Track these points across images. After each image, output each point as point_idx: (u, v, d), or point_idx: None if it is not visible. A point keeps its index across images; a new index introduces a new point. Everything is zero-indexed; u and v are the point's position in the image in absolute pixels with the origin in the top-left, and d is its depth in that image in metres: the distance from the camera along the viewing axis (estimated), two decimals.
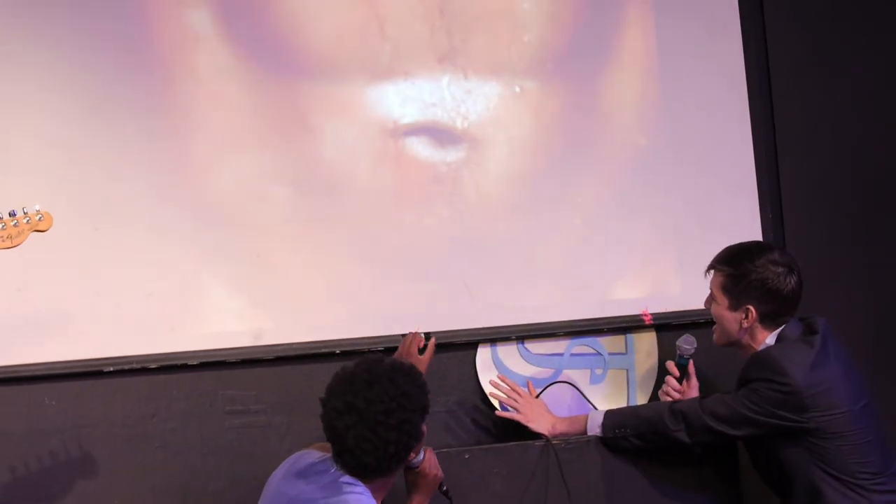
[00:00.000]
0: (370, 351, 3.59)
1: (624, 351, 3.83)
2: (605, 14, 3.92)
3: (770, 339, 3.29)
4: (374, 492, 2.86)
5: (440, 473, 3.06)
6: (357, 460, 2.79)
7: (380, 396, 2.78)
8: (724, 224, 3.94)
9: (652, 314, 3.82)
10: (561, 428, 3.51)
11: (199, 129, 3.57)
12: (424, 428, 2.90)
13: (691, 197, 3.94)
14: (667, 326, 3.84)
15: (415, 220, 3.70)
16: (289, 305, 3.59)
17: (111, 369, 3.45)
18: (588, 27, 3.90)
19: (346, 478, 2.85)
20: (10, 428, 3.40)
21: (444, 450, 3.46)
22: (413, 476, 3.03)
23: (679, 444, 3.32)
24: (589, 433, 3.45)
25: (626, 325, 3.82)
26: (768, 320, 3.29)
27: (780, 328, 3.29)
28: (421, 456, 3.00)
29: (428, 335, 3.46)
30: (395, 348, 3.58)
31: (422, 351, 3.38)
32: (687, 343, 3.53)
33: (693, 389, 3.54)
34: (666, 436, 3.32)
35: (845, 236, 4.10)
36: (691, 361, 3.55)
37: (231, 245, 3.56)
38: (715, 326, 3.41)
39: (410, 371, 2.87)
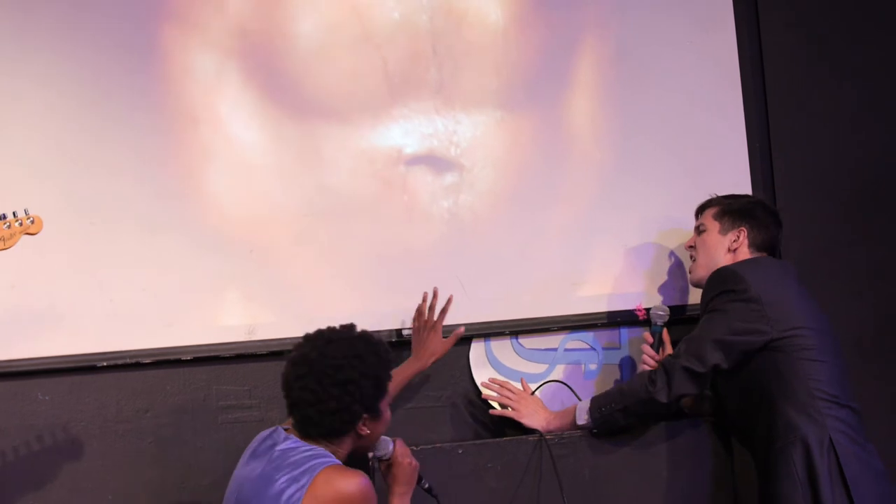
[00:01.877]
0: None
1: (618, 346, 3.83)
2: (599, 10, 3.93)
3: None
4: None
5: (414, 462, 3.05)
6: (300, 413, 2.85)
7: (333, 352, 2.85)
8: None
9: (646, 309, 3.82)
10: (555, 423, 3.50)
11: (196, 127, 3.58)
12: (384, 408, 2.93)
13: (685, 193, 3.93)
14: None
15: (409, 215, 3.71)
16: (282, 300, 3.59)
17: (105, 364, 3.45)
18: (582, 23, 3.90)
19: (291, 442, 2.86)
20: (3, 423, 3.40)
21: (438, 445, 3.46)
22: (387, 468, 3.04)
23: (661, 407, 3.30)
24: (578, 423, 3.43)
25: (619, 320, 3.83)
26: (754, 247, 3.44)
27: (759, 257, 3.42)
28: (390, 447, 3.01)
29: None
30: (390, 343, 3.58)
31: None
32: (660, 310, 3.61)
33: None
34: (650, 402, 3.30)
35: (839, 233, 4.11)
36: (665, 330, 3.59)
37: (225, 240, 3.56)
38: (694, 263, 3.52)
39: (376, 341, 2.93)
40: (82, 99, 3.50)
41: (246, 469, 2.90)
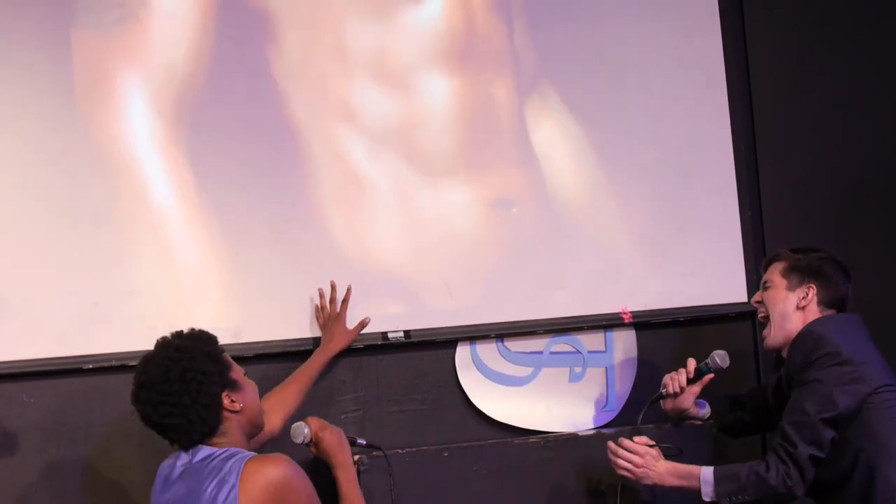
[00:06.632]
0: (349, 349, 3.61)
1: (603, 349, 3.84)
2: (585, 15, 3.94)
3: None
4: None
5: (334, 430, 3.06)
6: (176, 430, 2.84)
7: (155, 364, 2.86)
8: (704, 223, 3.97)
9: (631, 312, 3.83)
10: (669, 480, 3.30)
11: (180, 130, 3.57)
12: (237, 377, 2.91)
13: (671, 196, 3.96)
14: (646, 325, 3.86)
15: (394, 220, 3.71)
16: (268, 303, 3.58)
17: (90, 367, 3.44)
18: (568, 28, 3.91)
19: (201, 453, 2.84)
20: None
21: (423, 448, 3.47)
22: (317, 451, 3.05)
23: (792, 498, 3.22)
24: (704, 497, 3.24)
25: (605, 324, 3.83)
26: (823, 305, 3.35)
27: (833, 314, 3.35)
28: (306, 429, 3.02)
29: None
30: (376, 346, 3.63)
31: None
32: (720, 358, 3.48)
33: (689, 395, 3.50)
34: (787, 496, 3.20)
35: (825, 236, 4.11)
36: (709, 377, 3.49)
37: (210, 243, 3.55)
38: (768, 326, 3.41)
39: (190, 332, 2.94)
40: (60, 96, 3.49)
41: (167, 494, 2.87)
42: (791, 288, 3.37)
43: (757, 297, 3.48)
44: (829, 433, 3.16)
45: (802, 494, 3.22)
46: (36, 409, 3.42)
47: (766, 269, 3.47)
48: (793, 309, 3.36)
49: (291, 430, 3.05)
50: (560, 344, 3.80)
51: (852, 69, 4.20)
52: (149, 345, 3.41)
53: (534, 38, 3.87)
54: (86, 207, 3.47)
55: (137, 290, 3.49)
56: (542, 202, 3.83)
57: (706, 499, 3.25)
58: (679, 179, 3.95)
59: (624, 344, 3.85)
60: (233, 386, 2.90)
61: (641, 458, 3.31)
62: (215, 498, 2.73)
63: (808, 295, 3.35)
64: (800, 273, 3.38)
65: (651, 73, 3.97)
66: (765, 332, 3.44)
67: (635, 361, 3.85)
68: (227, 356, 2.96)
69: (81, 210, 3.47)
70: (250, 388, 2.95)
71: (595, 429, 3.73)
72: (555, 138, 3.86)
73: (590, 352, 3.82)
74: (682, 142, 3.98)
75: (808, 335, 3.28)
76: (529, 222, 3.81)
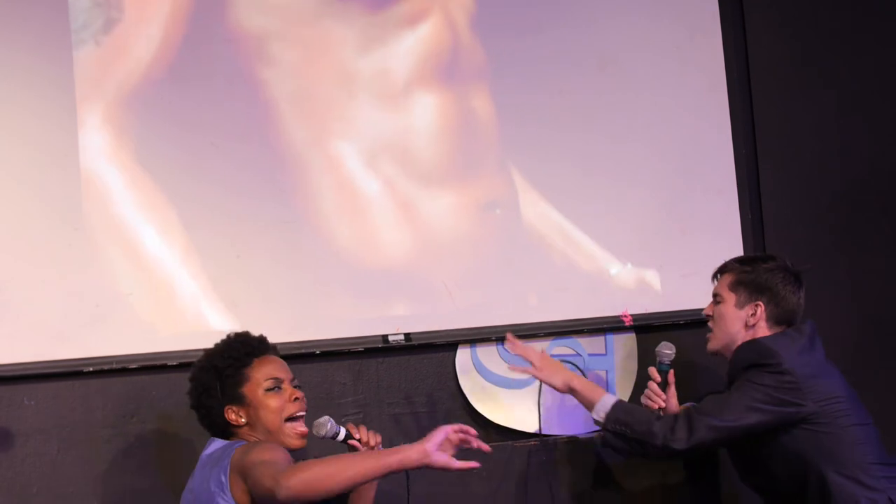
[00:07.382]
0: (350, 352, 3.61)
1: (604, 352, 3.84)
2: (586, 16, 3.94)
3: None
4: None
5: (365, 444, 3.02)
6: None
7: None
8: (704, 225, 3.97)
9: (632, 315, 3.83)
10: (576, 385, 3.33)
11: (181, 129, 3.57)
12: (247, 392, 2.96)
13: (671, 198, 3.96)
14: (647, 328, 3.86)
15: (395, 223, 3.71)
16: (269, 306, 3.57)
17: (90, 369, 3.44)
18: (568, 28, 3.91)
19: (212, 446, 2.97)
20: None
21: None
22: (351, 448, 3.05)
23: (672, 454, 3.21)
24: (594, 416, 3.28)
25: (606, 327, 3.83)
26: (772, 321, 3.32)
27: (780, 331, 3.32)
28: (337, 428, 3.00)
29: None
30: (376, 349, 3.62)
31: None
32: (666, 349, 3.46)
33: (672, 399, 3.47)
34: (664, 448, 3.17)
35: (825, 238, 4.13)
36: (672, 371, 3.47)
37: (211, 245, 3.55)
38: (711, 333, 3.40)
39: (224, 340, 3.08)
40: (57, 97, 3.49)
41: (187, 488, 2.98)
42: (739, 304, 3.33)
43: (708, 309, 3.42)
44: (746, 417, 3.13)
45: (679, 450, 3.17)
46: (36, 412, 3.42)
47: (715, 280, 3.42)
48: (740, 327, 3.32)
49: (316, 424, 3.02)
50: (560, 347, 3.80)
51: (853, 71, 4.20)
52: (149, 347, 3.49)
53: (534, 39, 3.87)
54: (86, 208, 3.47)
55: (138, 293, 3.49)
56: (543, 204, 3.83)
57: (594, 417, 3.26)
58: (680, 181, 3.95)
59: (624, 347, 3.85)
60: (239, 401, 2.97)
61: (539, 361, 3.36)
62: (209, 486, 2.82)
63: (756, 313, 3.31)
64: (748, 288, 3.33)
65: (651, 74, 3.97)
66: (709, 335, 3.41)
67: (636, 364, 3.85)
68: (250, 370, 2.99)
69: (82, 211, 3.46)
70: (266, 403, 2.96)
71: (595, 432, 3.72)
72: (555, 140, 3.86)
73: (590, 355, 3.82)
74: (683, 144, 3.98)
75: (754, 345, 3.26)
76: (530, 224, 3.81)
